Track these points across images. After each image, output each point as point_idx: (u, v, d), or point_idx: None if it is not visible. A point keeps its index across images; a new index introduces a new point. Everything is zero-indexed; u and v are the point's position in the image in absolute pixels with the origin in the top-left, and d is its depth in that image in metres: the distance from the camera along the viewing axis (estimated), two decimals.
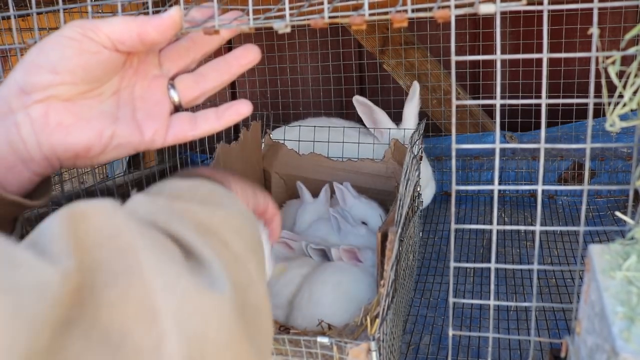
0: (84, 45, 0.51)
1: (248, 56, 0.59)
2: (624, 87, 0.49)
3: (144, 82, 0.58)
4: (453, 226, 0.59)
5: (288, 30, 0.54)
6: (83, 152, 0.53)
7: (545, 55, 0.53)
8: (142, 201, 0.46)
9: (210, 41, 0.60)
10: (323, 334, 0.78)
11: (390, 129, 1.52)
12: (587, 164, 0.57)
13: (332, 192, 1.30)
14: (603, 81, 0.50)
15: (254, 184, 0.68)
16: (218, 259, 0.42)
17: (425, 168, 1.56)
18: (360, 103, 1.53)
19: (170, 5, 0.53)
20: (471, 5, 0.49)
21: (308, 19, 0.53)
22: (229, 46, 2.18)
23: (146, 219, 0.43)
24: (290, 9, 0.53)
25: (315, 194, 1.30)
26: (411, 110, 1.53)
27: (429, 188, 1.61)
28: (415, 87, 1.53)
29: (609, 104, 0.50)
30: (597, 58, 0.51)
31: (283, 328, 0.91)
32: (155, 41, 0.52)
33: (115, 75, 0.56)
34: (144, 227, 0.40)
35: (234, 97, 2.14)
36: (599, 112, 1.53)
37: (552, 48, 1.71)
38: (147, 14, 0.58)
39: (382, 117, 1.52)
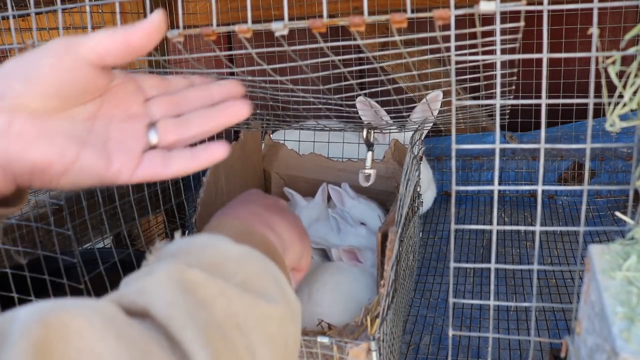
0: (64, 59, 0.49)
1: (238, 110, 0.55)
2: (624, 87, 0.49)
3: (123, 116, 0.54)
4: (453, 226, 0.59)
5: (286, 32, 0.54)
6: (41, 167, 0.49)
7: (545, 55, 0.53)
8: (167, 283, 0.41)
9: (201, 99, 0.57)
10: (323, 333, 0.78)
11: (390, 130, 1.52)
12: (587, 164, 0.57)
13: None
14: (603, 81, 0.50)
15: (302, 230, 0.64)
16: None
17: (426, 171, 1.56)
18: (363, 104, 1.52)
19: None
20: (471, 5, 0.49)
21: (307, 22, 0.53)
22: (229, 47, 2.18)
23: (160, 318, 0.38)
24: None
25: (315, 195, 1.30)
26: (419, 112, 1.52)
27: (430, 191, 1.60)
28: (438, 95, 1.50)
29: (609, 104, 0.50)
30: (597, 58, 0.51)
31: None
32: (142, 46, 0.50)
33: (93, 100, 0.53)
34: (136, 356, 0.33)
35: None
36: (599, 112, 1.52)
37: (552, 48, 1.71)
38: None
39: (386, 118, 1.52)
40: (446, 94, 1.57)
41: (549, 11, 0.52)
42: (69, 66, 0.49)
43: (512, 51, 0.69)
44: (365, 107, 1.51)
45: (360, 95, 1.41)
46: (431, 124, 1.52)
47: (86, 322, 0.32)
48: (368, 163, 1.28)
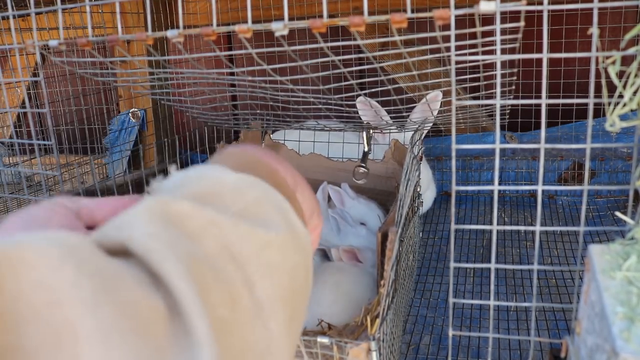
0: (65, 218, 0.45)
1: None
2: (624, 87, 0.49)
3: None
4: (453, 226, 0.59)
5: (286, 32, 0.54)
6: None
7: (545, 55, 0.53)
8: (146, 215, 0.37)
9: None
10: (323, 333, 0.78)
11: (390, 130, 1.52)
12: (587, 164, 0.57)
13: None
14: (603, 81, 0.50)
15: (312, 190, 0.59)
16: (213, 328, 0.33)
17: (426, 171, 1.56)
18: (363, 104, 1.52)
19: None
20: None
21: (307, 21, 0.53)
22: (229, 47, 2.18)
23: (138, 251, 0.34)
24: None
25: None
26: (419, 112, 1.52)
27: (430, 191, 1.61)
28: (438, 95, 1.50)
29: (609, 104, 0.50)
30: (597, 58, 0.51)
31: None
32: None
33: None
34: (102, 289, 0.30)
35: (234, 98, 2.14)
36: (599, 112, 1.53)
37: (552, 48, 1.71)
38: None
39: (386, 118, 1.52)
40: (446, 94, 1.57)
41: (549, 11, 0.52)
42: (67, 221, 0.45)
43: (512, 51, 0.69)
44: (366, 107, 1.51)
45: (360, 95, 1.41)
46: (431, 124, 1.52)
47: (41, 254, 0.30)
48: (364, 162, 1.30)
